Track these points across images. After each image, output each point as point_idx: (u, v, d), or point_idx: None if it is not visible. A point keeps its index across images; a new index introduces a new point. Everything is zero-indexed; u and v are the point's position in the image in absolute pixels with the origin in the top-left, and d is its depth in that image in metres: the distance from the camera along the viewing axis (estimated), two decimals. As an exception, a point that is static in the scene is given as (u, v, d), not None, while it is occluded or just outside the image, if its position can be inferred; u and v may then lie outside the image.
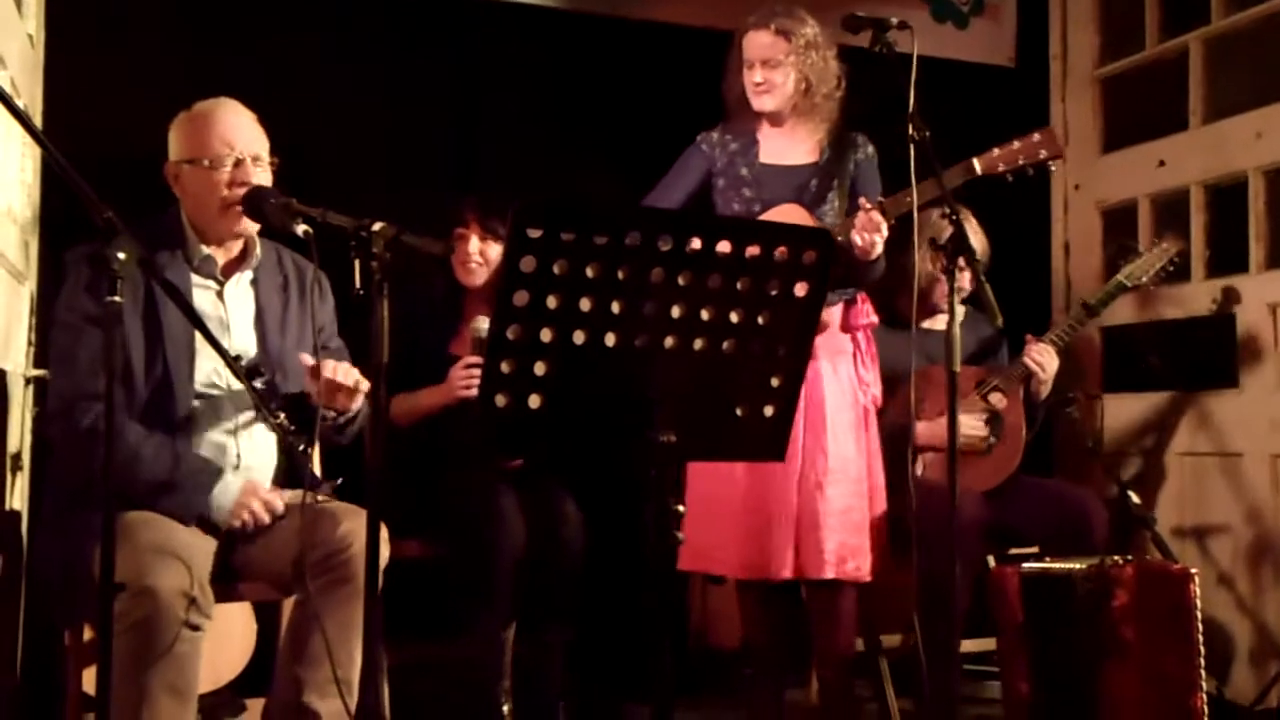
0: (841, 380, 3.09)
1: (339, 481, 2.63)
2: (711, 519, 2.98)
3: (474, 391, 3.09)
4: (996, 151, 3.01)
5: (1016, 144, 3.02)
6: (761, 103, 3.08)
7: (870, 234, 2.89)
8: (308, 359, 2.48)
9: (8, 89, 2.43)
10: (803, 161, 3.12)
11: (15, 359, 2.78)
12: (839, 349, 3.11)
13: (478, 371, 3.08)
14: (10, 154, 2.73)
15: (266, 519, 2.48)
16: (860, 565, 3.01)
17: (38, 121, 2.99)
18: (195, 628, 2.22)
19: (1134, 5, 4.35)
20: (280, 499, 2.50)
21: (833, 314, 3.09)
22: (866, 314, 3.17)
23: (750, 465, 2.95)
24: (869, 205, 2.90)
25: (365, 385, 2.47)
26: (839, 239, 2.90)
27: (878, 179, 3.13)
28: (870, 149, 3.14)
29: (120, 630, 2.02)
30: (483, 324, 3.13)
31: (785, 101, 3.08)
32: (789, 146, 3.13)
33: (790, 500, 2.98)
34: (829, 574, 2.96)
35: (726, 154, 3.14)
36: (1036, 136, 3.03)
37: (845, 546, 2.99)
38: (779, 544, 2.96)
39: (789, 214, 3.04)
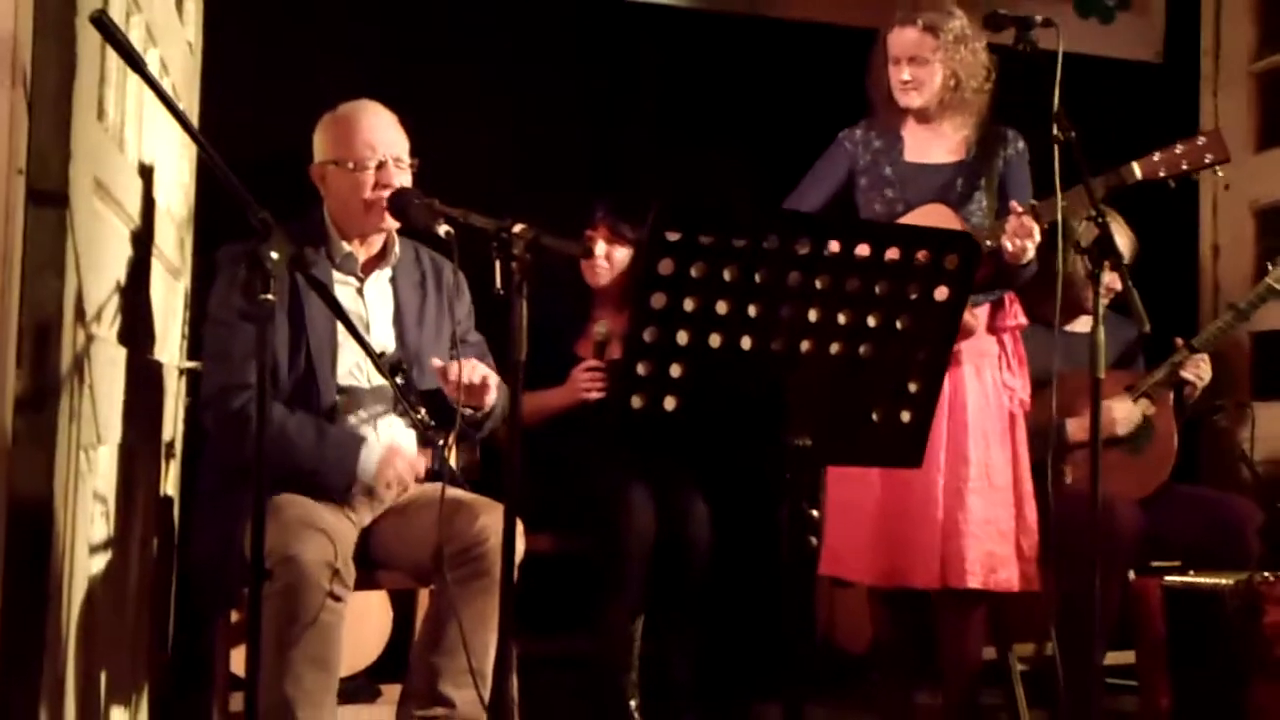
0: (985, 384, 2.99)
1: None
2: (848, 525, 2.93)
3: (595, 394, 3.14)
4: (1158, 155, 2.88)
5: (1180, 147, 2.89)
6: (909, 99, 3.00)
7: (1022, 239, 2.80)
8: (437, 362, 2.54)
9: (170, 94, 2.54)
10: (948, 159, 3.03)
11: (171, 352, 2.91)
12: (983, 351, 3.01)
13: (599, 374, 3.14)
14: (169, 155, 2.85)
15: (411, 481, 2.53)
16: (1010, 575, 2.90)
17: (195, 124, 3.11)
18: (338, 598, 2.29)
19: (1293, -4, 4.18)
20: (423, 461, 2.54)
21: (979, 316, 3.00)
22: (1015, 315, 3.07)
23: (888, 472, 2.87)
24: (1020, 209, 2.81)
25: (495, 379, 2.52)
26: (988, 244, 2.83)
27: (1028, 176, 3.02)
28: (1021, 144, 3.04)
29: (265, 601, 2.09)
30: (602, 328, 3.17)
31: (933, 98, 2.99)
32: (934, 143, 3.05)
33: (932, 509, 2.89)
34: (974, 584, 2.86)
35: (870, 152, 3.07)
36: (1202, 139, 2.89)
37: (993, 556, 2.88)
38: (917, 553, 2.88)
39: (934, 215, 2.95)
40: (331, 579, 2.27)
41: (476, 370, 2.51)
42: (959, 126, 3.03)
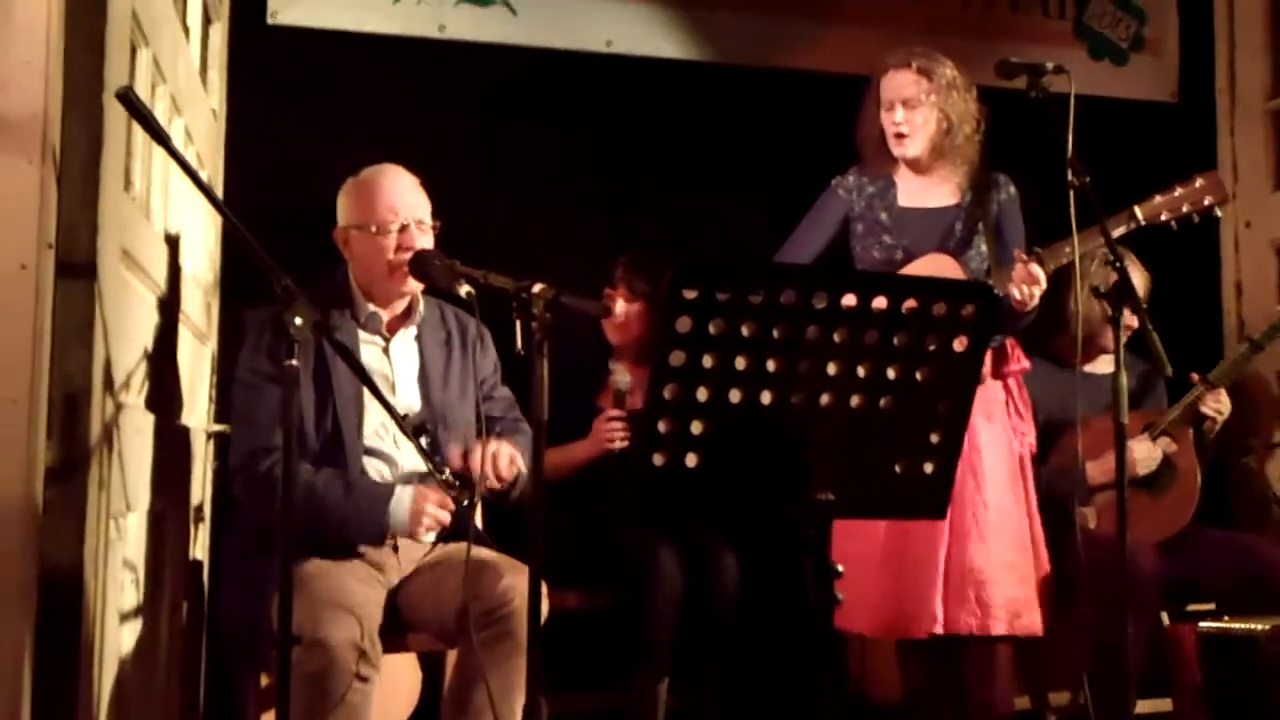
0: (996, 430, 2.99)
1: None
2: (857, 578, 2.91)
3: (618, 444, 3.14)
4: (1159, 198, 2.91)
5: (1179, 190, 2.91)
6: (903, 147, 3.00)
7: (1029, 287, 2.80)
8: (456, 455, 2.55)
9: (194, 162, 2.59)
10: (944, 204, 3.04)
11: (198, 416, 2.94)
12: (992, 398, 3.01)
13: (621, 424, 3.15)
14: (195, 222, 2.90)
15: (446, 517, 2.52)
16: (1033, 620, 2.89)
17: (219, 191, 3.17)
18: (365, 679, 2.30)
19: (1308, 33, 4.18)
20: (450, 500, 2.53)
21: (984, 364, 2.98)
22: (1018, 359, 3.07)
23: (892, 523, 2.86)
24: (1025, 257, 2.82)
25: (522, 466, 2.54)
26: (995, 292, 2.84)
27: (1021, 221, 3.04)
28: (1012, 189, 3.06)
29: (295, 680, 2.10)
30: (622, 377, 3.18)
31: (926, 145, 3.00)
32: (928, 188, 3.05)
33: (935, 556, 2.87)
34: (1000, 630, 2.84)
35: (864, 198, 3.07)
36: (1200, 181, 2.91)
37: (1017, 601, 2.87)
38: (922, 601, 2.85)
39: (938, 264, 2.96)
40: (358, 660, 2.28)
41: (502, 455, 2.52)
42: (951, 172, 3.04)
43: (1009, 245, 2.97)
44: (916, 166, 3.05)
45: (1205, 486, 3.30)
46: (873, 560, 2.92)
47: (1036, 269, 2.80)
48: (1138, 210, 2.90)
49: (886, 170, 3.07)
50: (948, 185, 3.05)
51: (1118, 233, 2.86)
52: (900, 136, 3.00)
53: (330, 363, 2.56)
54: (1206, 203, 2.91)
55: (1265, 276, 4.29)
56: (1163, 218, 2.90)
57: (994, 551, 2.88)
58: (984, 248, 3.00)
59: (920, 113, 2.98)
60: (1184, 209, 2.90)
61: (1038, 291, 2.82)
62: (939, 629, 2.85)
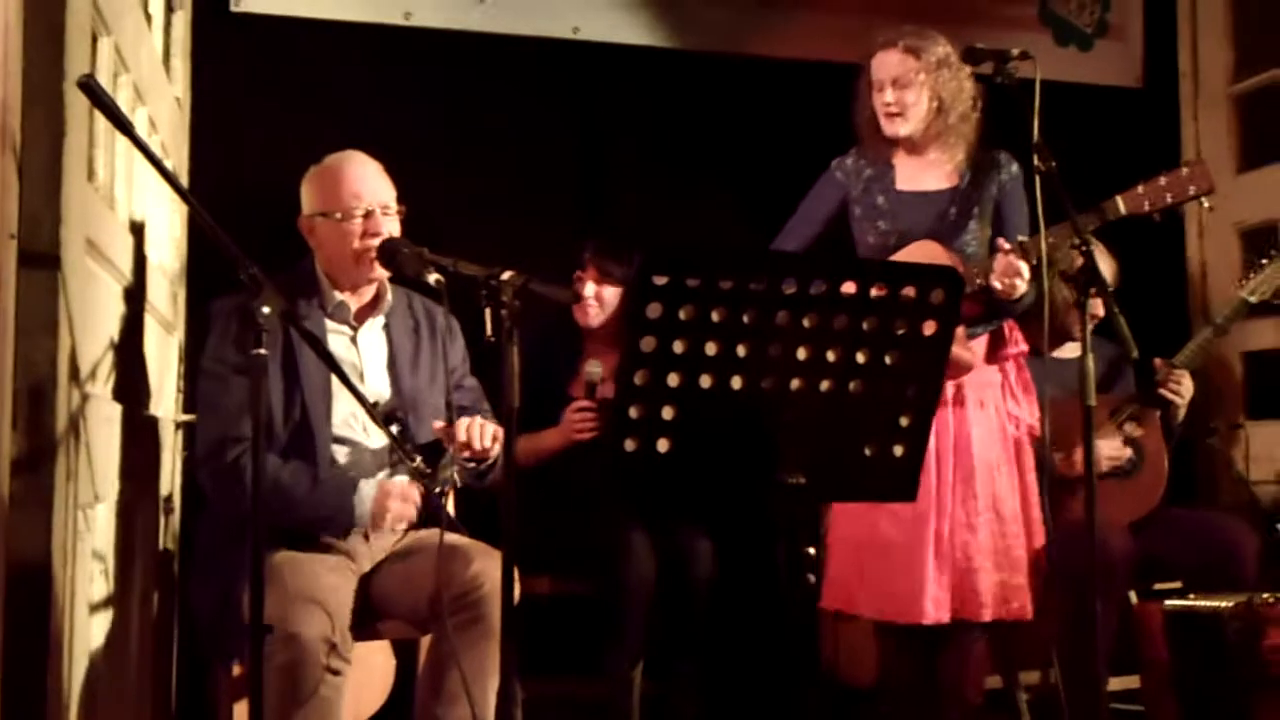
0: (989, 416, 2.98)
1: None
2: (852, 559, 2.92)
3: (588, 434, 3.15)
4: (1141, 189, 2.88)
5: (1163, 179, 2.88)
6: (895, 127, 2.97)
7: (1010, 278, 2.79)
8: (438, 424, 2.55)
9: (158, 151, 2.57)
10: (941, 187, 3.01)
11: (166, 406, 2.92)
12: (986, 383, 3.00)
13: (590, 414, 3.14)
14: (160, 211, 2.87)
15: (411, 513, 2.53)
16: (1023, 604, 2.89)
17: (184, 180, 3.14)
18: (336, 673, 2.30)
19: (1268, 18, 4.21)
20: (416, 491, 2.54)
21: (976, 350, 2.98)
22: (1016, 343, 3.05)
23: (892, 506, 2.84)
24: (1008, 247, 2.80)
25: (500, 437, 2.53)
26: (978, 281, 2.83)
27: (1023, 201, 2.98)
28: (1015, 168, 3.01)
29: (267, 672, 2.10)
30: (594, 368, 3.18)
31: (919, 124, 2.97)
32: (925, 171, 3.03)
33: (924, 542, 2.86)
34: (987, 616, 2.85)
35: (862, 181, 3.05)
36: (1185, 170, 2.88)
37: (1005, 587, 2.87)
38: (922, 586, 2.85)
39: (924, 251, 2.94)
40: (329, 654, 2.29)
41: (486, 431, 2.51)
42: (949, 154, 3.01)
43: (1008, 226, 2.94)
44: (911, 147, 3.02)
45: (1171, 467, 3.34)
46: (875, 545, 2.90)
47: (1016, 260, 2.78)
48: (1120, 201, 2.87)
49: (884, 153, 3.04)
50: (946, 167, 3.02)
51: (1098, 224, 2.83)
52: (891, 116, 2.97)
53: (298, 352, 2.55)
54: (1192, 192, 2.87)
55: (1229, 260, 4.34)
56: (1145, 208, 2.87)
57: (982, 539, 2.88)
58: (979, 230, 2.98)
59: (910, 91, 2.95)
60: (1168, 199, 2.87)
61: (1020, 282, 2.79)
62: (930, 618, 2.84)
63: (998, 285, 2.81)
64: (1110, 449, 3.25)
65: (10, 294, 1.79)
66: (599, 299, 3.28)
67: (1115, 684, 3.44)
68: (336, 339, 2.66)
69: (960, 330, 2.86)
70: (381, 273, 2.64)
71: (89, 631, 2.10)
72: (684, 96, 4.00)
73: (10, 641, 1.76)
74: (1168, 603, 2.86)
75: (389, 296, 2.73)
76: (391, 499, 2.52)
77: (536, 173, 3.84)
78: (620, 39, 3.91)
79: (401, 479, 2.60)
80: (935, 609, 2.85)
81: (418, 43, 3.73)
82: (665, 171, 3.96)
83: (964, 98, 2.98)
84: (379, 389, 2.67)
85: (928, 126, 2.98)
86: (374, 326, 2.72)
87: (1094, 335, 3.35)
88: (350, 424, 2.62)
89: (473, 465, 2.54)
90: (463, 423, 2.50)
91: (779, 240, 3.10)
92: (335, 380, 2.51)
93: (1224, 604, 2.76)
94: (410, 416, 2.66)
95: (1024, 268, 2.79)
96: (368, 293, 2.72)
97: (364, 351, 2.69)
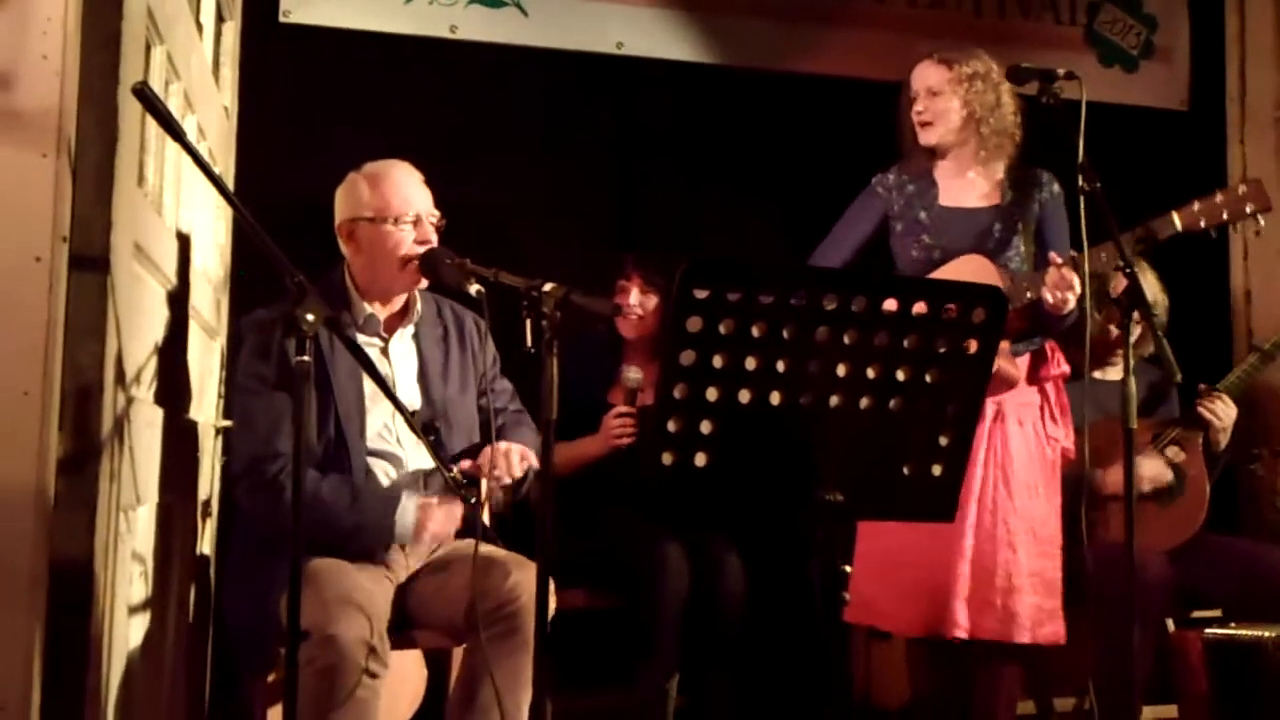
0: (1028, 435, 2.95)
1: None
2: (886, 575, 2.89)
3: (627, 440, 3.15)
4: (1197, 205, 2.83)
5: (1219, 197, 2.84)
6: (925, 135, 2.98)
7: (1063, 292, 2.76)
8: (467, 464, 2.55)
9: (206, 158, 2.60)
10: (984, 204, 3.00)
11: (207, 411, 2.94)
12: (1026, 403, 2.97)
13: (630, 420, 3.15)
14: (205, 218, 2.91)
15: (451, 530, 2.54)
16: (1056, 629, 2.85)
17: (231, 186, 3.18)
18: (374, 675, 2.30)
19: (1318, 43, 4.18)
20: (457, 508, 2.54)
21: (1020, 367, 2.95)
22: (1058, 364, 3.02)
23: (929, 524, 2.85)
24: (1060, 261, 2.78)
25: (529, 457, 2.54)
26: (1028, 295, 2.82)
27: (1065, 220, 2.97)
28: (1056, 187, 2.99)
29: (304, 676, 2.11)
30: (633, 374, 3.18)
31: (949, 133, 2.97)
32: (967, 187, 3.02)
33: (960, 560, 2.84)
34: (1022, 639, 2.81)
35: (904, 196, 3.04)
36: (1243, 188, 2.84)
37: (1040, 610, 2.84)
38: (956, 603, 2.82)
39: (972, 265, 2.91)
40: (368, 657, 2.29)
41: (513, 459, 2.53)
42: (990, 170, 3.00)
43: (1051, 244, 2.92)
44: (952, 163, 3.02)
45: (1213, 494, 3.30)
46: (909, 561, 2.87)
47: (1070, 273, 2.75)
48: (1175, 217, 2.83)
49: (926, 166, 3.04)
50: (987, 185, 3.01)
51: (1152, 238, 2.80)
52: (923, 124, 2.99)
53: (330, 365, 2.55)
54: (1249, 210, 2.82)
55: (1274, 285, 4.29)
56: (1201, 224, 2.82)
57: (1022, 559, 2.85)
58: (1023, 248, 2.97)
59: (941, 99, 2.96)
60: (1224, 216, 2.82)
61: (1072, 296, 2.77)
62: (962, 633, 2.81)
63: (1049, 298, 2.79)
64: (1152, 469, 3.22)
65: (61, 297, 1.82)
66: (644, 307, 3.30)
67: (1151, 713, 3.40)
68: (367, 351, 2.66)
69: (1005, 345, 2.84)
70: (422, 282, 2.65)
71: (127, 632, 2.12)
72: (722, 110, 4.01)
73: (52, 639, 1.78)
74: (1207, 631, 2.82)
75: (419, 306, 2.72)
76: (432, 519, 2.52)
77: (577, 187, 3.86)
78: (663, 54, 3.93)
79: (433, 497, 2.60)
80: (970, 626, 2.81)
81: (459, 54, 3.76)
82: (702, 185, 3.96)
83: (1002, 114, 2.97)
84: (410, 400, 2.66)
85: (962, 138, 2.98)
86: (404, 337, 2.72)
87: (1142, 360, 3.34)
88: (384, 436, 2.62)
89: (508, 484, 2.55)
90: (487, 454, 2.50)
91: (818, 255, 3.09)
92: (369, 394, 2.54)
93: (1266, 634, 2.72)
94: (443, 426, 2.66)
95: (1076, 281, 2.76)
96: (398, 303, 2.71)
97: (395, 362, 2.69)
